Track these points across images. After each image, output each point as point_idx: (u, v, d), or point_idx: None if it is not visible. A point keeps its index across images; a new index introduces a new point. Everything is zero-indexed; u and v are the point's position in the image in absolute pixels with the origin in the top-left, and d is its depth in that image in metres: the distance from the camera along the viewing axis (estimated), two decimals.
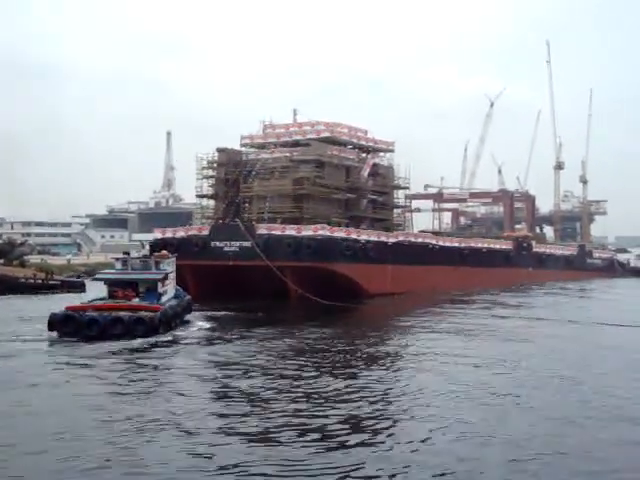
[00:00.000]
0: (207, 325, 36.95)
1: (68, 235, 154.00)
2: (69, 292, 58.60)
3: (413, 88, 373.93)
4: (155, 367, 25.58)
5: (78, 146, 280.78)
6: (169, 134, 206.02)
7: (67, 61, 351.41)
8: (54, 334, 31.53)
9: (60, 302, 48.62)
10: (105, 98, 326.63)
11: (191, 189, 68.67)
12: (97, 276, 37.53)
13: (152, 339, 30.77)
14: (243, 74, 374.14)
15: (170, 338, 31.98)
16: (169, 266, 38.14)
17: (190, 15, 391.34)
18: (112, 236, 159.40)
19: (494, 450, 15.77)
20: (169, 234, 60.61)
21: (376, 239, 59.96)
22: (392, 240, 61.90)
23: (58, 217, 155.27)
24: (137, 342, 30.02)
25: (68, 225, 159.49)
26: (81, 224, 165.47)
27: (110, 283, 35.65)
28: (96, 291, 41.88)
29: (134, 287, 35.28)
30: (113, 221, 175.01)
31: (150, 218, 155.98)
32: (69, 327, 31.28)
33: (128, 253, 39.64)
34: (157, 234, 61.73)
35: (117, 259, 37.77)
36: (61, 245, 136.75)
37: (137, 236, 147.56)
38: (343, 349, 30.49)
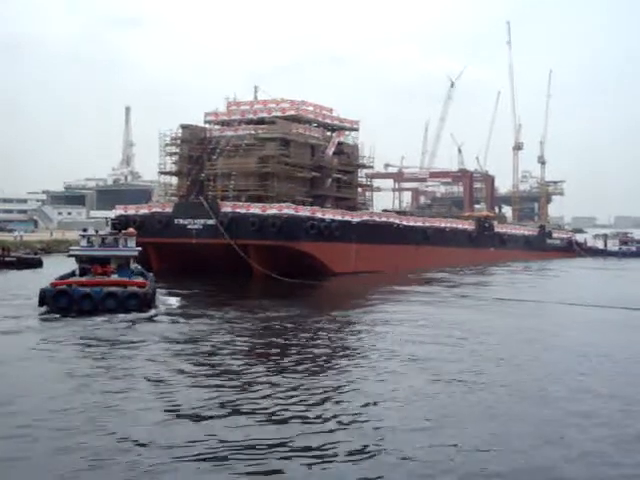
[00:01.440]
0: (176, 302, 36.58)
1: (24, 212, 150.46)
2: (26, 269, 57.53)
3: (374, 66, 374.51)
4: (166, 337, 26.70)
5: (35, 120, 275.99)
6: (128, 109, 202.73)
7: (30, 33, 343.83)
8: (43, 309, 31.23)
9: (22, 279, 47.83)
10: (66, 72, 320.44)
11: (152, 166, 67.79)
12: (71, 252, 36.99)
13: (146, 314, 30.98)
14: (210, 51, 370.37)
15: (160, 313, 32.27)
16: (134, 243, 37.62)
17: None
18: (69, 213, 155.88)
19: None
20: (132, 211, 59.74)
21: (341, 218, 59.65)
22: (357, 219, 61.68)
23: (13, 193, 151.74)
24: (130, 316, 30.22)
25: (24, 201, 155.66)
26: (37, 200, 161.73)
27: (85, 259, 35.14)
28: (55, 267, 41.15)
29: (109, 264, 34.93)
30: (70, 198, 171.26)
31: (108, 195, 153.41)
32: (61, 302, 31.05)
33: (96, 231, 38.75)
34: (119, 211, 60.72)
35: (83, 236, 36.98)
36: (17, 222, 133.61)
37: (95, 213, 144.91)
38: (303, 322, 31.37)
